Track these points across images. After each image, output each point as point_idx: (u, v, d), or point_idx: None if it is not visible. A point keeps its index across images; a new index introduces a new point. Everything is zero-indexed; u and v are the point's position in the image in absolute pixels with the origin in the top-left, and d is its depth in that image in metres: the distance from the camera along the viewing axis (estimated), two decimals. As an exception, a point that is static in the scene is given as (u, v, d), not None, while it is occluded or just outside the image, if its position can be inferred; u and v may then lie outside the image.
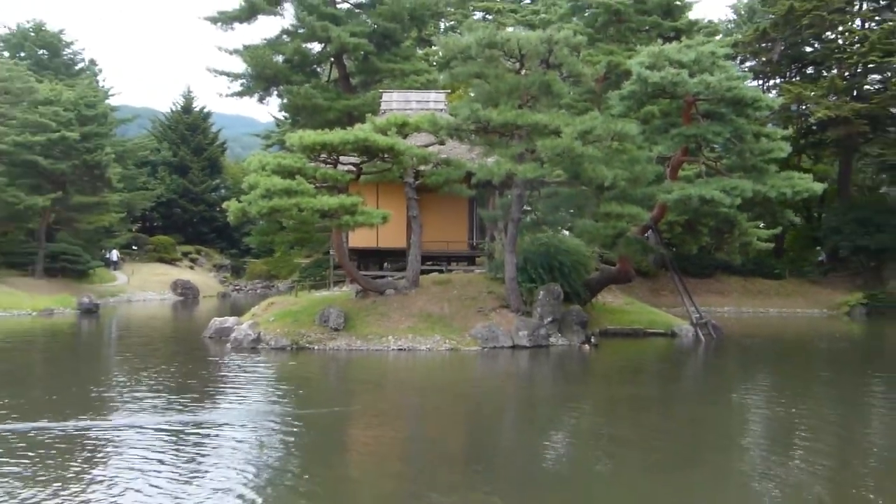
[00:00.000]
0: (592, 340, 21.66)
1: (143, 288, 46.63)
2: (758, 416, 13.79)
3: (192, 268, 56.18)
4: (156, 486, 8.50)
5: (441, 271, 26.05)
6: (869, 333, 29.11)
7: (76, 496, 8.11)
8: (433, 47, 45.34)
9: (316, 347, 20.46)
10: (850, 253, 40.37)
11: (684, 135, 21.90)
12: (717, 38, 39.30)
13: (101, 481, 8.69)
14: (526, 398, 15.69)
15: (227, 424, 11.81)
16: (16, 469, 9.04)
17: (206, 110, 65.69)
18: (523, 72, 21.54)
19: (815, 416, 13.66)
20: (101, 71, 63.41)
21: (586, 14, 39.14)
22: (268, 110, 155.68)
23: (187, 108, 64.62)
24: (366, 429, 12.37)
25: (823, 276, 41.12)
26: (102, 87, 58.03)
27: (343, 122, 26.18)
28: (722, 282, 38.69)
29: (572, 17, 39.29)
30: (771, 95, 35.00)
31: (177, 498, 8.17)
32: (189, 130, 63.34)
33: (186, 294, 47.03)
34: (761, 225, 29.70)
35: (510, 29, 33.07)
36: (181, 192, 59.71)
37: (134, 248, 54.62)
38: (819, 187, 22.02)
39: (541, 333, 21.07)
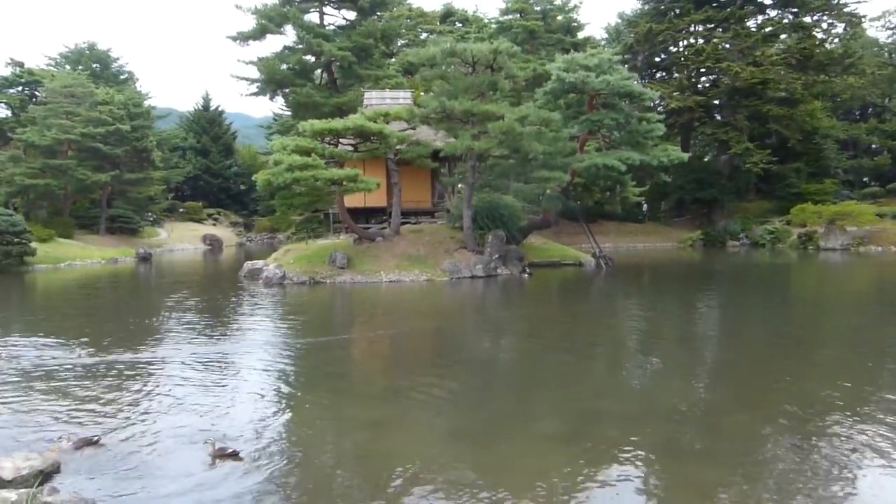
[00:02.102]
0: (527, 270, 21.37)
1: (180, 240, 44.64)
2: (640, 316, 13.84)
3: (214, 224, 53.93)
4: (217, 382, 7.73)
5: (411, 223, 25.31)
6: (704, 258, 29.75)
7: (154, 401, 7.24)
8: (393, 59, 43.59)
9: (328, 281, 19.62)
10: (690, 203, 40.99)
11: (590, 120, 21.47)
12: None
13: (173, 392, 7.75)
14: (484, 312, 15.32)
15: (272, 342, 11.12)
16: (134, 386, 8.18)
17: (220, 108, 62.84)
18: (473, 74, 20.76)
19: (673, 311, 14.07)
20: (139, 79, 60.10)
21: (509, 33, 38.14)
22: (269, 107, 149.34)
23: (206, 107, 61.79)
24: (372, 338, 11.84)
25: (672, 220, 41.73)
26: (141, 91, 54.86)
27: (334, 115, 24.78)
28: (603, 225, 38.55)
29: (499, 36, 38.22)
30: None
31: (235, 388, 7.46)
32: (208, 123, 60.65)
33: (213, 244, 45.24)
34: (633, 184, 29.71)
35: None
36: (204, 169, 57.62)
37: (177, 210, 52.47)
38: (685, 156, 21.96)
39: (491, 266, 20.64)
